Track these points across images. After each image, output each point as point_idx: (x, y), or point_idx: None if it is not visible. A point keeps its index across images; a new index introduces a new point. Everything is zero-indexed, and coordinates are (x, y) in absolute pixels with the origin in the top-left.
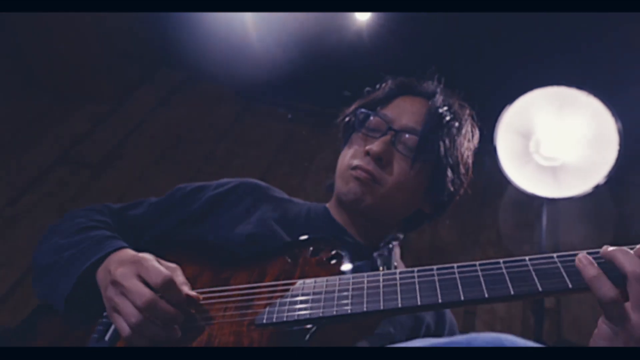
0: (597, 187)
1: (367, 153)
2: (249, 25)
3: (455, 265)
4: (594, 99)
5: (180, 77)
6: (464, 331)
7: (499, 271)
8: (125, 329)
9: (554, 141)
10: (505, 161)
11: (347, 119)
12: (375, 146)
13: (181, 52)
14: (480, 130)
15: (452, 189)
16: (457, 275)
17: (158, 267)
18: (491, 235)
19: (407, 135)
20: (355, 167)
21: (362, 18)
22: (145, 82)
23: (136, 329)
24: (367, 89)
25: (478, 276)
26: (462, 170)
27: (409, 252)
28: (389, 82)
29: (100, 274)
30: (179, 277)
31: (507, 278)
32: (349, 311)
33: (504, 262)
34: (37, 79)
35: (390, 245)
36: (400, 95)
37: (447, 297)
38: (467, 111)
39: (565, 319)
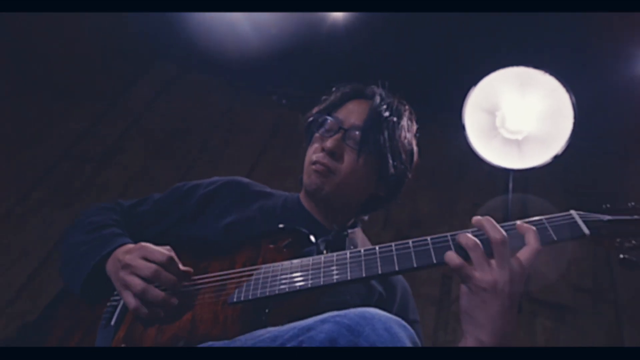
0: (556, 157)
1: (323, 149)
2: (236, 17)
3: (392, 243)
4: (550, 77)
5: (173, 70)
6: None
7: (408, 250)
8: (131, 302)
9: (517, 116)
10: (474, 137)
11: (308, 123)
12: (328, 143)
13: (172, 45)
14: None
15: (396, 173)
16: (394, 252)
17: (159, 249)
18: (466, 206)
19: (355, 132)
20: (314, 162)
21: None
22: (140, 78)
23: (140, 295)
24: (324, 97)
25: (409, 252)
26: (404, 157)
27: (391, 225)
28: (340, 89)
29: (110, 264)
30: (175, 258)
31: (413, 254)
32: (297, 288)
33: (413, 242)
34: (37, 78)
35: (346, 232)
36: (349, 99)
37: (369, 271)
38: (406, 107)
39: None
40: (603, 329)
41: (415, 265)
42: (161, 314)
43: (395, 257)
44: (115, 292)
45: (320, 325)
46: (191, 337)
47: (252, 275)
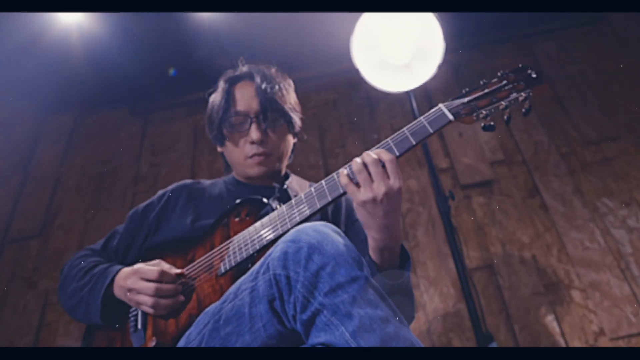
0: (440, 67)
1: (252, 142)
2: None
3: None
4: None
5: (70, 117)
6: None
7: (334, 181)
8: (149, 311)
9: (397, 44)
10: (368, 75)
11: (214, 132)
12: (253, 135)
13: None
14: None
15: (300, 122)
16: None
17: (150, 267)
18: (388, 133)
19: (262, 114)
20: (252, 156)
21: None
22: (39, 140)
23: (154, 307)
24: (206, 96)
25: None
26: (297, 109)
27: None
28: (220, 84)
29: (116, 289)
30: (165, 266)
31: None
32: (270, 239)
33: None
34: None
35: (284, 187)
36: (232, 85)
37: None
38: (276, 71)
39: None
40: (522, 186)
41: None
42: (175, 307)
43: (326, 190)
44: (131, 308)
45: (275, 248)
46: (201, 310)
47: (229, 247)
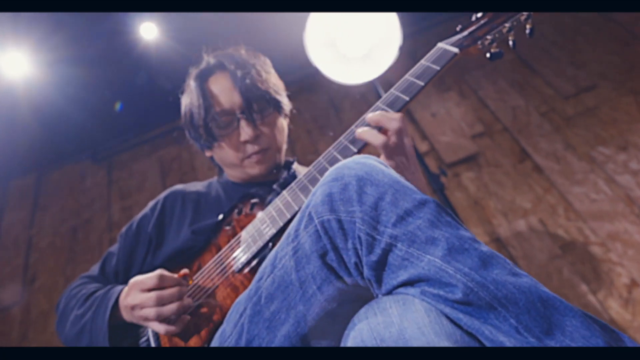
0: (401, 48)
1: (247, 141)
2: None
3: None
4: None
5: (32, 178)
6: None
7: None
8: (160, 329)
9: (354, 35)
10: (329, 72)
11: (201, 137)
12: (245, 134)
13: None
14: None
15: (287, 102)
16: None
17: (147, 275)
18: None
19: (248, 108)
20: (250, 156)
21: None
22: (5, 205)
23: (160, 318)
24: (180, 94)
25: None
26: (281, 87)
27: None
28: (189, 84)
29: (123, 311)
30: (166, 273)
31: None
32: (281, 224)
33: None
34: None
35: (292, 171)
36: (205, 82)
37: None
38: (246, 52)
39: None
40: (509, 153)
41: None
42: (188, 319)
43: (338, 155)
44: (140, 329)
45: (314, 195)
46: (224, 315)
47: (239, 242)
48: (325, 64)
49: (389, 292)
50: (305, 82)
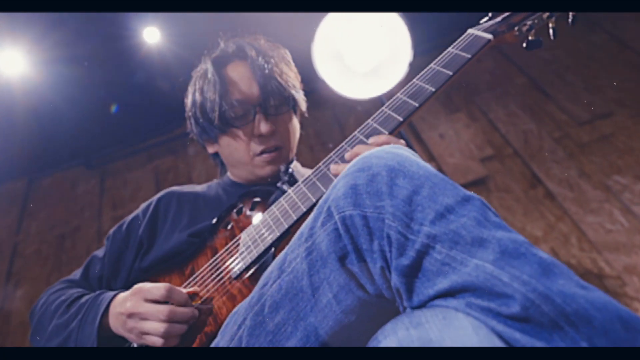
0: (411, 65)
1: (260, 135)
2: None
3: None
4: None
5: (22, 182)
6: None
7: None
8: (158, 342)
9: (361, 49)
10: (336, 86)
11: (213, 124)
12: (261, 128)
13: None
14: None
15: (304, 98)
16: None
17: (155, 285)
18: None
19: (265, 101)
20: (261, 153)
21: (151, 40)
22: None
23: (166, 336)
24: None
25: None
26: (299, 82)
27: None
28: (205, 66)
29: (111, 319)
30: (175, 287)
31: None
32: (286, 226)
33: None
34: None
35: (290, 170)
36: (222, 68)
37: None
38: (269, 43)
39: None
40: (520, 178)
41: None
42: (185, 330)
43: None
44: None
45: (334, 187)
46: (219, 326)
47: (238, 245)
48: (332, 77)
49: (422, 305)
50: (310, 97)
